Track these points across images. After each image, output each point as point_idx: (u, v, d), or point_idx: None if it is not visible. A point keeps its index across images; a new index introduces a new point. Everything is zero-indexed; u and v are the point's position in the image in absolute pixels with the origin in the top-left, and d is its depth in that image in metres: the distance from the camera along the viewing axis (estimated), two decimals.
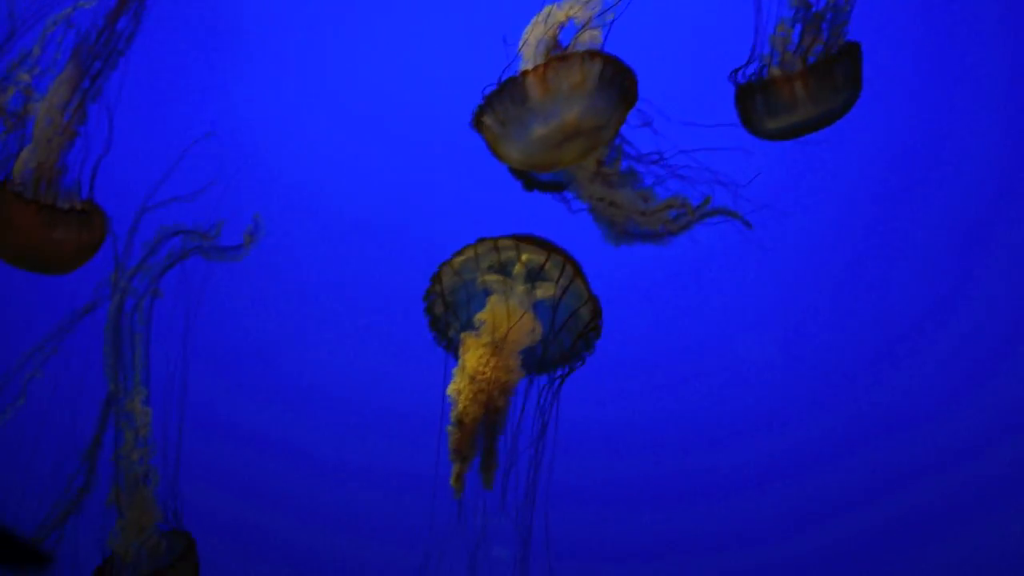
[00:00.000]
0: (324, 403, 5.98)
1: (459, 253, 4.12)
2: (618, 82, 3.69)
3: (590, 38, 3.82)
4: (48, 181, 4.22)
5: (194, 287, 4.50)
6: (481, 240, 4.10)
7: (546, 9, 3.81)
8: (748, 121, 4.09)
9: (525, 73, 3.63)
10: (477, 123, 3.76)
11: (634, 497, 6.01)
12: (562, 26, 3.81)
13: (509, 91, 3.63)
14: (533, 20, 3.83)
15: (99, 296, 4.63)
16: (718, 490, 6.03)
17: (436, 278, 4.13)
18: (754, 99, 3.99)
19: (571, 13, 3.82)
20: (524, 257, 4.00)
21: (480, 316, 4.09)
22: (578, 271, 4.08)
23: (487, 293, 4.09)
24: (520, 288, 4.04)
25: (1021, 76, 5.69)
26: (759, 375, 5.96)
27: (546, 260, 4.00)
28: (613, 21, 3.77)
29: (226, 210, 4.53)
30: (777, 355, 5.99)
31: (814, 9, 3.98)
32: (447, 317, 4.15)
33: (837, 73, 3.93)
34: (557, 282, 4.03)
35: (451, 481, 4.11)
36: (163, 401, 4.50)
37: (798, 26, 3.98)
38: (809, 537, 6.00)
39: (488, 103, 3.71)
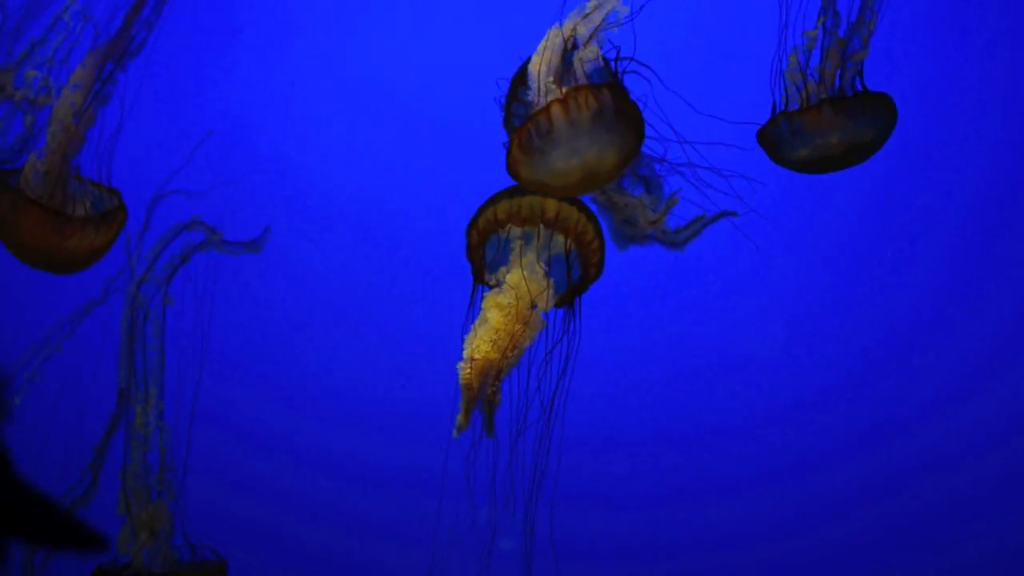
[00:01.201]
0: (333, 400, 6.00)
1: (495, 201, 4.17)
2: (627, 112, 3.76)
3: (591, 54, 3.88)
4: (61, 182, 4.16)
5: (205, 287, 4.52)
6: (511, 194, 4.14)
7: (551, 32, 3.84)
8: (775, 149, 4.06)
9: (550, 105, 3.68)
10: (509, 147, 3.81)
11: (639, 494, 6.06)
12: (569, 46, 3.85)
13: (535, 122, 3.69)
14: (540, 45, 3.86)
15: (107, 292, 4.64)
16: (722, 488, 6.09)
17: (475, 220, 4.19)
18: (779, 125, 3.97)
19: (576, 31, 3.86)
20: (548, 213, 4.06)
21: (502, 274, 4.16)
22: (586, 222, 4.14)
23: (510, 246, 4.18)
24: (538, 245, 4.12)
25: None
26: (765, 375, 6.03)
27: (556, 215, 4.07)
28: (622, 25, 3.82)
29: (235, 208, 4.56)
30: (783, 356, 6.05)
31: (830, 36, 3.96)
32: (482, 256, 4.23)
33: (863, 102, 3.92)
34: (570, 235, 4.11)
35: (458, 417, 4.18)
36: (175, 403, 4.52)
37: (817, 51, 3.99)
38: (815, 535, 6.06)
39: (515, 131, 3.77)
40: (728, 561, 6.08)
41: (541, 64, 3.81)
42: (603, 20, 3.84)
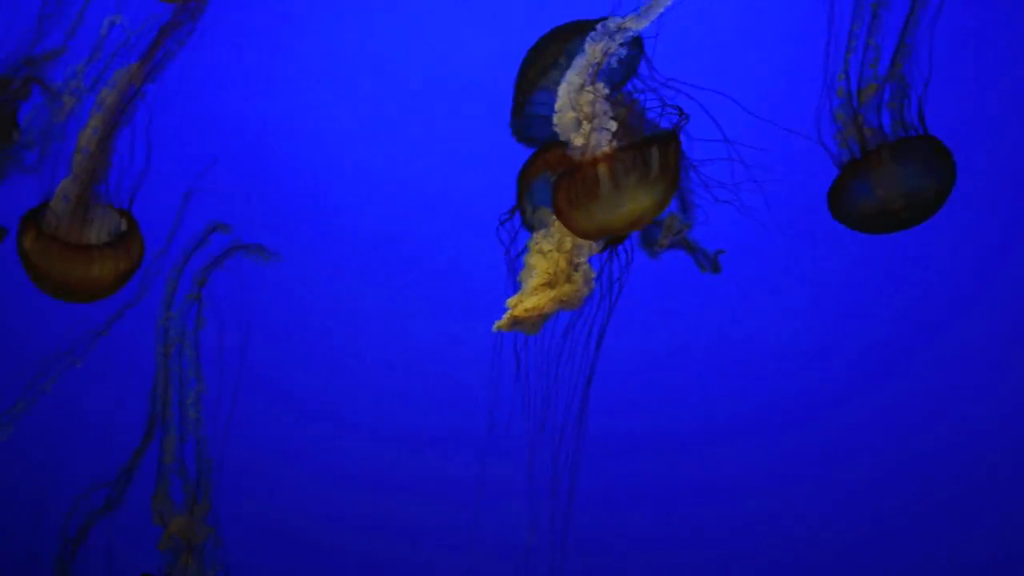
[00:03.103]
0: (366, 407, 6.00)
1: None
2: (672, 164, 3.69)
3: (596, 91, 3.79)
4: (85, 211, 4.15)
5: (230, 302, 4.54)
6: None
7: (571, 77, 3.71)
8: (839, 204, 4.00)
9: (595, 161, 3.61)
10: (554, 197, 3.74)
11: (652, 493, 6.11)
12: (586, 88, 3.70)
13: (580, 176, 3.63)
14: (563, 89, 3.73)
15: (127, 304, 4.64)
16: (754, 486, 6.13)
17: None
18: (843, 177, 3.90)
19: (599, 59, 3.73)
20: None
21: (545, 214, 4.07)
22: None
23: None
24: None
25: None
26: (779, 375, 6.06)
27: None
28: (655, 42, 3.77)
29: (258, 224, 4.58)
30: (801, 356, 6.10)
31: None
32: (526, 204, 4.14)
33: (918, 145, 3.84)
34: None
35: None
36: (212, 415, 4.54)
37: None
38: (827, 535, 6.11)
39: (559, 181, 3.70)
40: (743, 563, 6.14)
41: (566, 110, 3.70)
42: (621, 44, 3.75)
